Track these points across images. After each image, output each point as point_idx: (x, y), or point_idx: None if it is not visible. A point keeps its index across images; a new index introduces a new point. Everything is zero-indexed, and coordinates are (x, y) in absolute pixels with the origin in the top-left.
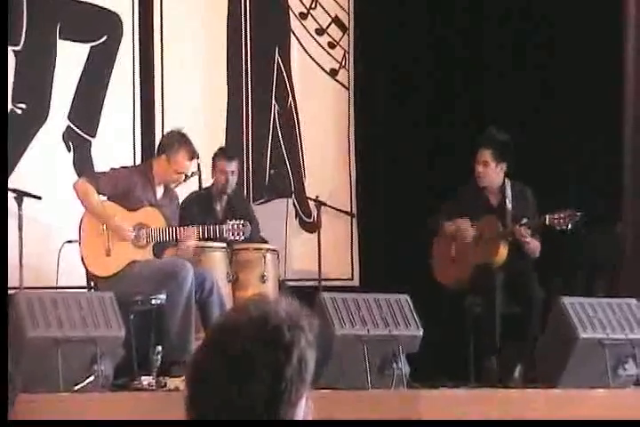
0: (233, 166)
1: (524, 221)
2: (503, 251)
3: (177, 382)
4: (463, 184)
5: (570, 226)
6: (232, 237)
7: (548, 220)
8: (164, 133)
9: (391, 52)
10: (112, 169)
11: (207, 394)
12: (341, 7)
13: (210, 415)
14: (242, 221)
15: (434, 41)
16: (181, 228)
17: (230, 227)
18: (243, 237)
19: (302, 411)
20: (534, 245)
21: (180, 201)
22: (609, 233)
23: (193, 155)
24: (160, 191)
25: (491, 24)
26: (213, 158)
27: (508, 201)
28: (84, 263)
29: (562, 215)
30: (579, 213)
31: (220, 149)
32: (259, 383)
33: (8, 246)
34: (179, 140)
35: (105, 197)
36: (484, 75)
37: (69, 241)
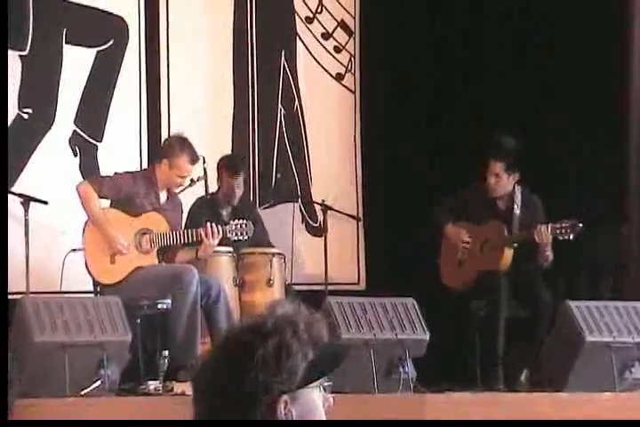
0: (239, 181)
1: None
2: (508, 256)
3: (183, 387)
4: (463, 187)
5: (572, 236)
6: (235, 237)
7: (550, 229)
8: (165, 138)
9: (392, 53)
10: (116, 173)
11: (203, 374)
12: (347, 11)
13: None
14: (245, 221)
15: (434, 41)
16: (205, 227)
17: (233, 227)
18: (246, 237)
19: (282, 404)
20: (549, 253)
21: (188, 207)
22: (612, 234)
23: (194, 158)
24: (164, 196)
25: (491, 24)
26: (219, 168)
27: (516, 207)
28: (88, 271)
29: (564, 225)
30: (581, 224)
31: (227, 158)
32: (233, 365)
33: (15, 251)
34: (179, 144)
35: (108, 202)
36: (484, 75)
37: (74, 249)
